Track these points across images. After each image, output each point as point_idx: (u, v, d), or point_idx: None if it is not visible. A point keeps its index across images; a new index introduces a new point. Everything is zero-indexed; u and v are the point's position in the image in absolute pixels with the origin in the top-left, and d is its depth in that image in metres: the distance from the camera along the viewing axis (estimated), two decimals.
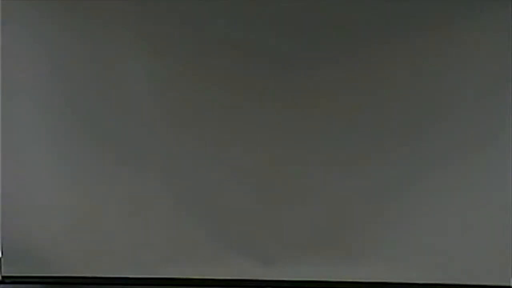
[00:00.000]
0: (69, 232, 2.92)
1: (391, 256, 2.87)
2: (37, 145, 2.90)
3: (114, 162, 2.91)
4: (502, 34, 2.81)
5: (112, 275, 2.92)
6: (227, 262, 2.91)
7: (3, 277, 2.92)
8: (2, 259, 2.92)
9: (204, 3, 2.87)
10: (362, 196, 2.88)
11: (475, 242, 2.83)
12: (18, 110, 2.90)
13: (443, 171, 2.85)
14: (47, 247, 2.92)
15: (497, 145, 2.82)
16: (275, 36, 2.87)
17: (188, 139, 2.91)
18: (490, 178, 2.83)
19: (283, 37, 2.87)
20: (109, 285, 2.92)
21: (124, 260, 2.92)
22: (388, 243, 2.88)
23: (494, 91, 2.82)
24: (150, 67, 2.88)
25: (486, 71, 2.82)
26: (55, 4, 2.88)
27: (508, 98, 2.81)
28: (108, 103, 2.89)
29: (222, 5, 2.86)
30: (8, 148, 2.90)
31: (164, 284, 2.92)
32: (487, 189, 2.84)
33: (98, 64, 2.88)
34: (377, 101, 2.87)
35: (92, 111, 2.90)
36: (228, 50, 2.88)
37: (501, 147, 2.82)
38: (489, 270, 2.82)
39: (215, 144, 2.91)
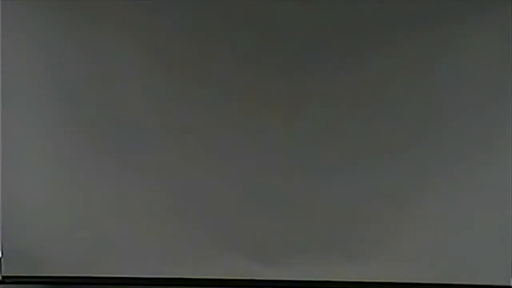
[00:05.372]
0: (69, 233, 2.92)
1: (391, 256, 2.87)
2: (37, 146, 2.90)
3: (114, 163, 2.91)
4: (502, 34, 2.81)
5: (112, 275, 2.92)
6: (227, 262, 2.91)
7: (3, 277, 2.92)
8: (2, 259, 2.92)
9: (204, 5, 2.87)
10: (362, 197, 2.88)
11: (475, 242, 2.84)
12: (18, 111, 2.90)
13: (443, 172, 2.85)
14: (47, 247, 2.92)
15: (497, 146, 2.83)
16: (276, 38, 2.87)
17: (189, 140, 2.92)
18: (490, 178, 2.84)
19: (285, 38, 2.87)
20: (109, 285, 2.92)
21: (124, 260, 2.92)
22: (388, 243, 2.88)
23: (494, 91, 2.82)
24: (149, 69, 2.88)
25: (487, 72, 2.82)
26: (55, 5, 2.88)
27: (509, 99, 2.81)
28: (108, 104, 2.89)
29: (223, 6, 2.86)
30: (8, 149, 2.90)
31: (164, 284, 2.92)
32: (487, 190, 2.84)
33: (97, 65, 2.88)
34: (378, 103, 2.87)
35: (91, 112, 2.90)
36: (228, 52, 2.88)
37: (501, 148, 2.82)
38: (489, 270, 2.82)
39: (216, 144, 2.91)
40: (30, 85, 2.89)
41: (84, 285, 2.95)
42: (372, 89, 2.87)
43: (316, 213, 2.89)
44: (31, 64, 2.89)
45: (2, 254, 2.92)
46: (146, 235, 2.92)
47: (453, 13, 2.81)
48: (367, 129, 2.88)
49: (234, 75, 2.89)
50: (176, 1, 2.88)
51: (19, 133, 2.90)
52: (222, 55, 2.89)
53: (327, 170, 2.89)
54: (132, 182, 2.92)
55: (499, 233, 2.82)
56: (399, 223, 2.87)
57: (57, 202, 2.92)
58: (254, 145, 2.91)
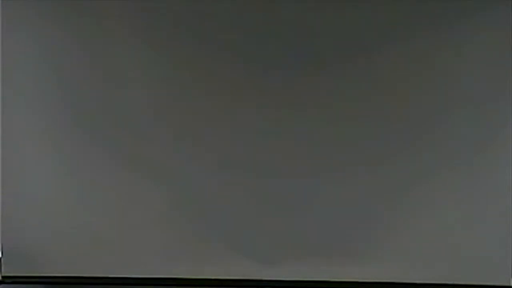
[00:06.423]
0: (69, 233, 2.92)
1: (391, 256, 2.87)
2: (37, 146, 2.90)
3: (114, 162, 2.91)
4: (502, 34, 2.81)
5: (112, 275, 2.92)
6: (227, 262, 2.91)
7: (3, 277, 2.92)
8: (2, 259, 2.92)
9: (204, 5, 2.87)
10: (362, 197, 2.88)
11: (475, 242, 2.84)
12: (18, 110, 2.90)
13: (443, 173, 2.85)
14: (47, 247, 2.92)
15: (497, 146, 2.83)
16: (275, 38, 2.87)
17: (189, 140, 2.92)
18: (490, 179, 2.83)
19: (284, 39, 2.87)
20: (109, 285, 2.92)
21: (124, 260, 2.92)
22: (388, 243, 2.88)
23: (494, 91, 2.82)
24: (149, 68, 2.89)
25: (487, 72, 2.82)
26: (55, 4, 2.88)
27: (508, 99, 2.81)
28: (108, 103, 2.89)
29: (222, 7, 2.86)
30: (8, 148, 2.90)
31: (164, 284, 2.92)
32: (487, 190, 2.84)
33: (98, 65, 2.88)
34: (378, 104, 2.87)
35: (91, 111, 2.90)
36: (228, 52, 2.89)
37: (501, 148, 2.82)
38: (489, 270, 2.82)
39: (216, 144, 2.91)
40: (30, 85, 2.89)
41: (84, 285, 2.94)
42: (372, 89, 2.87)
43: (316, 213, 2.89)
44: (32, 64, 2.89)
45: (2, 254, 2.92)
46: (146, 235, 2.92)
47: (453, 13, 2.81)
48: (368, 129, 2.88)
49: (235, 76, 2.89)
50: (178, 0, 2.88)
51: (19, 133, 2.90)
52: (224, 56, 2.89)
53: (328, 170, 2.89)
54: (132, 182, 2.92)
55: (499, 233, 2.82)
56: (399, 223, 2.87)
57: (57, 202, 2.91)
58: (255, 145, 2.91)
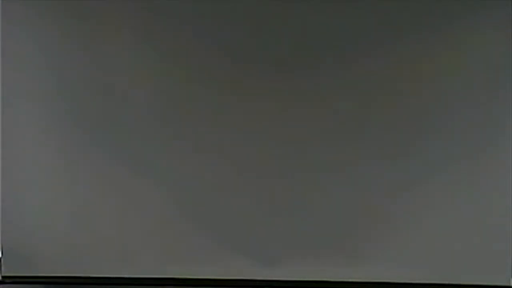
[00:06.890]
0: (69, 232, 2.92)
1: (391, 256, 2.87)
2: (37, 146, 2.90)
3: (114, 162, 2.91)
4: (502, 34, 2.81)
5: (112, 275, 2.92)
6: (227, 262, 2.90)
7: (3, 277, 2.92)
8: (2, 259, 2.92)
9: (203, 4, 2.87)
10: (362, 197, 2.88)
11: (475, 242, 2.83)
12: (18, 110, 2.90)
13: (443, 173, 2.84)
14: (47, 247, 2.92)
15: (497, 146, 2.82)
16: (275, 38, 2.87)
17: (189, 140, 2.92)
18: (490, 179, 2.83)
19: (284, 38, 2.87)
20: (109, 285, 2.92)
21: (124, 260, 2.92)
22: (388, 243, 2.87)
23: (494, 92, 2.82)
24: (149, 67, 2.89)
25: (487, 72, 2.82)
26: (55, 5, 2.88)
27: (508, 99, 2.81)
28: (108, 103, 2.89)
29: (222, 6, 2.86)
30: (8, 148, 2.90)
31: (164, 284, 2.92)
32: (487, 190, 2.83)
33: (98, 65, 2.88)
34: (378, 103, 2.87)
35: (91, 112, 2.90)
36: (228, 52, 2.89)
37: (501, 148, 2.82)
38: (489, 270, 2.82)
39: (216, 144, 2.91)
40: (30, 85, 2.90)
41: (83, 285, 2.94)
42: (372, 89, 2.87)
43: (316, 213, 2.89)
44: (31, 64, 2.89)
45: (2, 254, 2.93)
46: (146, 235, 2.92)
47: (452, 13, 2.81)
48: (368, 129, 2.87)
49: (236, 76, 2.89)
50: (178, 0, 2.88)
51: (19, 134, 2.91)
52: (225, 55, 2.89)
53: (328, 170, 2.89)
54: (132, 182, 2.92)
55: (499, 233, 2.81)
56: (399, 223, 2.87)
57: (57, 202, 2.92)
58: (255, 144, 2.91)
